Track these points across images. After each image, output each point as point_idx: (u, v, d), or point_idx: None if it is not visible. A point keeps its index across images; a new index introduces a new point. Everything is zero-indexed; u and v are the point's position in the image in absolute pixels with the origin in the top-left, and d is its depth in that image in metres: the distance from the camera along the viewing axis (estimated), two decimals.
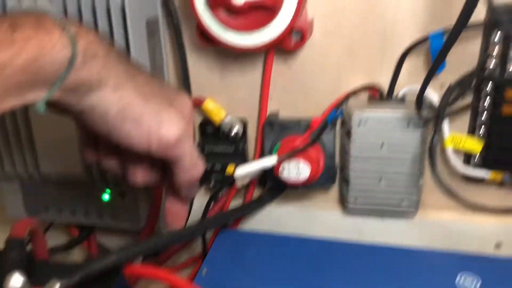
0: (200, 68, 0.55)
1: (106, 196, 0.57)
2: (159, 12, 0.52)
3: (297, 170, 0.50)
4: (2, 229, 0.48)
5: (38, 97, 0.30)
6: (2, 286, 0.33)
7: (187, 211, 0.44)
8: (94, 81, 0.31)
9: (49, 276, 0.33)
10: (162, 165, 0.40)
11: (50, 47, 0.28)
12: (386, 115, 0.50)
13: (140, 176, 0.40)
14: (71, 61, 0.29)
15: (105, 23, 0.47)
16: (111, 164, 0.40)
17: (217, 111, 0.55)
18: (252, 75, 0.55)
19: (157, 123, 0.34)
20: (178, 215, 0.43)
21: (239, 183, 0.51)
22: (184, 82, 0.54)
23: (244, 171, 0.50)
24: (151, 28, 0.51)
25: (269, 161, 0.49)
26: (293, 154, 0.49)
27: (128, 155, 0.38)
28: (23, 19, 0.28)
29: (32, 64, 0.27)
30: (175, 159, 0.37)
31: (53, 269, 0.39)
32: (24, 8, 0.47)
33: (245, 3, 0.44)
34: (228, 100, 0.56)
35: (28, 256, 0.38)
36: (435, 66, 0.41)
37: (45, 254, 0.43)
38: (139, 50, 0.48)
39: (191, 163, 0.37)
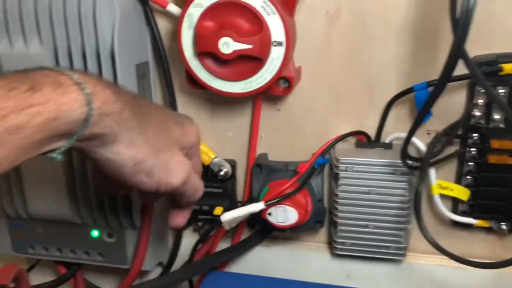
0: (189, 110, 0.55)
1: (95, 233, 0.57)
2: (150, 56, 0.53)
3: (284, 215, 0.50)
4: None
5: (53, 148, 0.31)
6: None
7: (189, 213, 0.47)
8: (107, 136, 0.33)
9: None
10: None
11: (67, 107, 0.29)
12: (373, 161, 0.50)
13: (154, 198, 0.47)
14: (86, 120, 0.30)
15: (95, 66, 0.47)
16: (125, 193, 0.46)
17: (206, 152, 0.55)
18: (241, 118, 0.55)
19: (166, 173, 0.38)
20: (179, 215, 0.46)
21: (226, 227, 0.51)
22: None
23: (231, 216, 0.50)
24: (141, 71, 0.52)
25: (256, 207, 0.49)
26: (280, 200, 0.49)
27: None
28: (42, 79, 0.29)
29: (49, 123, 0.29)
30: (179, 194, 0.41)
31: None
32: (16, 51, 0.48)
33: (233, 52, 0.44)
34: (217, 142, 0.56)
35: None
36: (419, 118, 0.41)
37: None
38: None
39: (192, 192, 0.42)
